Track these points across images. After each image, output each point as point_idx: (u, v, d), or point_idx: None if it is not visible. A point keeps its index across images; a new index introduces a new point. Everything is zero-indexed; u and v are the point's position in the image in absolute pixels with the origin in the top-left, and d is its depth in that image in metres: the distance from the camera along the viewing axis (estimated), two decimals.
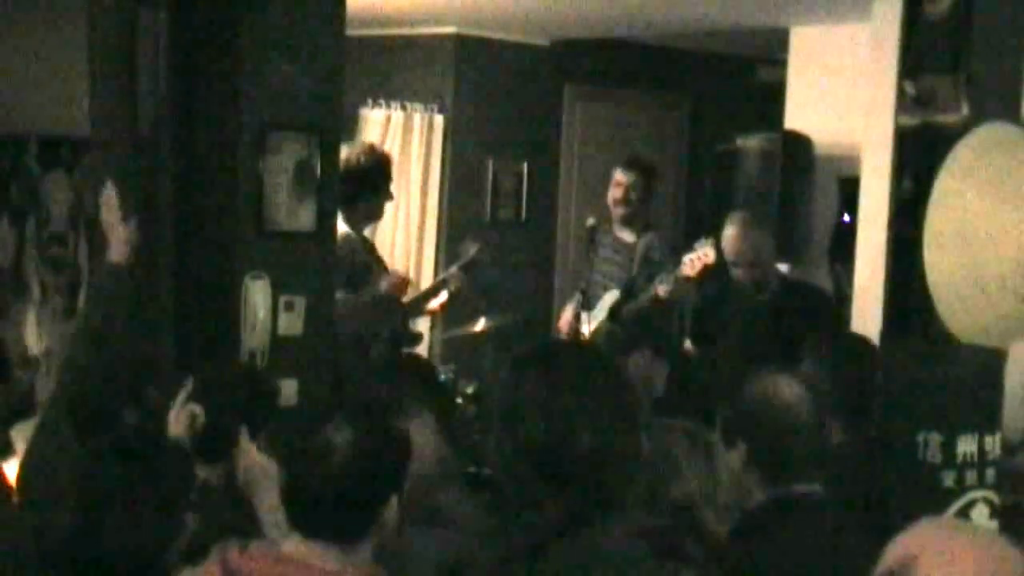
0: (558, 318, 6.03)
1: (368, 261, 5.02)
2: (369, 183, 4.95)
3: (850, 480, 2.97)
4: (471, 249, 5.37)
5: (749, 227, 4.93)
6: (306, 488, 2.18)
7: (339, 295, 4.57)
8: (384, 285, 4.97)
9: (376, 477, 2.19)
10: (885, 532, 1.95)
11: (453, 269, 5.40)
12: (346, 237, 4.82)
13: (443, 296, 5.37)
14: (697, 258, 5.00)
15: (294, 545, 2.20)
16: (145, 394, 3.32)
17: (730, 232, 4.91)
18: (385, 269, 5.20)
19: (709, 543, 2.37)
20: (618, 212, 5.76)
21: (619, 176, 5.78)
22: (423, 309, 5.76)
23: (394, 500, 2.21)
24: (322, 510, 2.17)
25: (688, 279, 4.95)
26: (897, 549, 1.87)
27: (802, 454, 2.62)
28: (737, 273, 4.91)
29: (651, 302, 5.20)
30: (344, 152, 5.05)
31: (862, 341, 3.63)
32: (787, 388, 2.65)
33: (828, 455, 2.70)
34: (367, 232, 5.32)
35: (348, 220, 4.90)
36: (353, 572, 2.17)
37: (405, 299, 5.19)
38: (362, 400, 2.49)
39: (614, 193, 5.76)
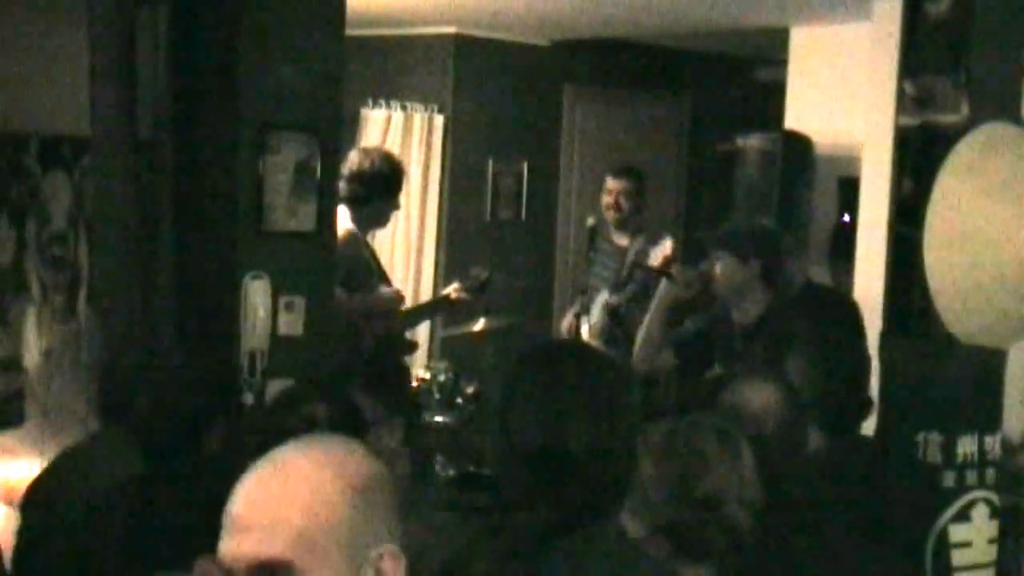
0: (559, 319, 6.03)
1: (369, 261, 5.02)
2: (381, 189, 4.91)
3: (830, 483, 2.96)
4: (482, 274, 5.33)
5: (715, 261, 4.42)
6: None
7: (337, 291, 4.57)
8: (383, 294, 4.97)
9: None
10: (884, 534, 1.94)
11: (455, 287, 5.33)
12: (351, 234, 4.81)
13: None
14: (661, 252, 4.95)
15: None
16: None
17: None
18: (383, 274, 5.19)
19: (734, 538, 2.38)
20: (611, 217, 5.82)
21: (610, 183, 5.84)
22: (416, 323, 5.76)
23: None
24: None
25: (656, 271, 4.88)
26: None
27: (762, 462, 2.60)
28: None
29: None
30: (357, 153, 5.05)
31: (848, 341, 3.61)
32: (757, 397, 2.65)
33: (802, 461, 2.70)
34: (368, 237, 5.30)
35: (353, 221, 4.89)
36: None
37: (402, 308, 5.18)
38: (328, 378, 2.54)
39: (605, 199, 5.83)
